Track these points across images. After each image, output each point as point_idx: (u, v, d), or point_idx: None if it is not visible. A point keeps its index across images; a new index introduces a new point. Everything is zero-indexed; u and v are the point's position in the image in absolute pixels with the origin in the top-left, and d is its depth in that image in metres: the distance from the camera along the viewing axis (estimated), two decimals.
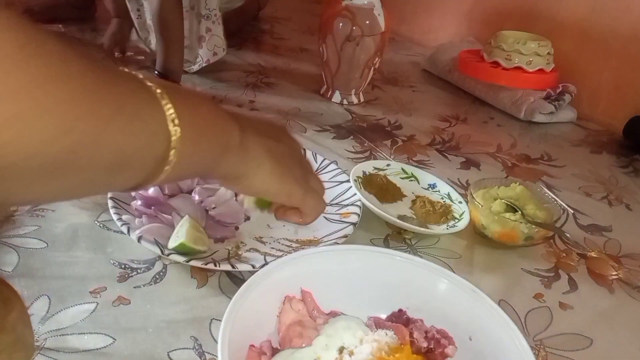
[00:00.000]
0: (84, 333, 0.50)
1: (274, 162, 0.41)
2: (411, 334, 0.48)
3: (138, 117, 0.28)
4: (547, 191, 0.78)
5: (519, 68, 1.28)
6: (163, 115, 0.30)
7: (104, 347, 0.49)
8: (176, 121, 0.31)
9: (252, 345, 0.45)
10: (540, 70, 1.28)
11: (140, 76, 0.31)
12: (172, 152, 0.31)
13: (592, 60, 1.29)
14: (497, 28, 1.40)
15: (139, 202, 0.66)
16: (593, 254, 0.75)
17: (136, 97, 0.29)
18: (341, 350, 0.44)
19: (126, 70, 0.30)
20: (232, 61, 1.38)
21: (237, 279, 0.59)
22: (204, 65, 1.23)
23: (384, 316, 0.51)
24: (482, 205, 0.71)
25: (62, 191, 0.27)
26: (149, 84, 0.31)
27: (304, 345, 0.45)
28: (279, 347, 0.46)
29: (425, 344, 0.47)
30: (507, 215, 0.70)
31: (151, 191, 0.67)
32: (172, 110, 0.30)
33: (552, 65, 1.29)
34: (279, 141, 0.44)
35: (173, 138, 0.30)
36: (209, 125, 0.35)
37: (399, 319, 0.50)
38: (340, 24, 1.10)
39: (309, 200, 0.45)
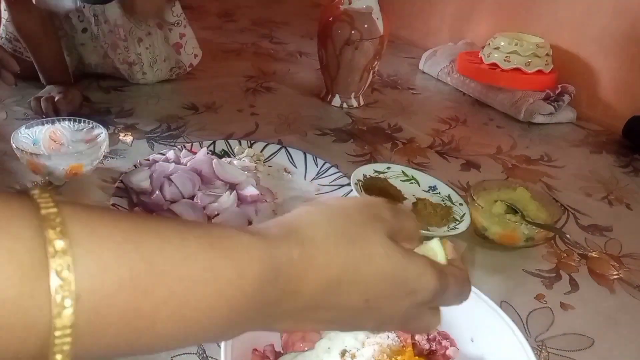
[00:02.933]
0: None
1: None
2: (413, 336, 0.48)
3: None
4: (548, 192, 0.78)
5: (517, 69, 1.28)
6: (42, 278, 0.18)
7: None
8: (66, 299, 0.19)
9: (255, 350, 0.45)
10: (539, 71, 1.28)
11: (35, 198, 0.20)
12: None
13: (591, 61, 1.30)
14: (495, 30, 1.41)
15: (140, 208, 0.67)
16: (594, 254, 0.75)
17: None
18: (343, 353, 0.44)
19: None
20: (232, 66, 1.39)
21: None
22: (188, 70, 1.24)
23: None
24: (482, 207, 0.71)
25: None
26: (44, 211, 0.19)
27: (306, 349, 0.45)
28: (281, 351, 0.47)
29: (427, 346, 0.48)
30: (508, 216, 0.71)
31: (152, 197, 0.68)
32: (66, 273, 0.18)
33: (550, 66, 1.30)
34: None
35: (58, 330, 0.19)
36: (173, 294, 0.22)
37: None
38: (339, 28, 1.10)
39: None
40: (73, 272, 0.19)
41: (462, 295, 0.32)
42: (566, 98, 1.22)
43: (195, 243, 0.23)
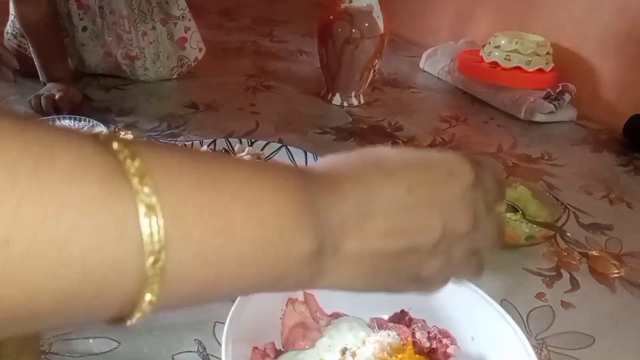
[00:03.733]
0: (88, 337, 0.50)
1: (376, 274, 0.28)
2: (413, 335, 0.48)
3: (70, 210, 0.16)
4: (548, 190, 0.78)
5: (518, 68, 1.28)
6: (129, 205, 0.17)
7: (109, 351, 0.49)
8: (159, 221, 0.18)
9: (256, 348, 0.45)
10: (540, 70, 1.28)
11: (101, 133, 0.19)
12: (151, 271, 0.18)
13: (591, 59, 1.30)
14: (495, 28, 1.41)
15: None
16: (594, 253, 0.75)
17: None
18: (344, 351, 0.45)
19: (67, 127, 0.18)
20: (233, 65, 1.39)
21: None
22: (192, 65, 1.24)
23: (386, 317, 0.51)
24: None
25: None
26: (114, 146, 0.18)
27: (307, 347, 0.45)
28: (282, 349, 0.47)
29: (427, 344, 0.48)
30: (509, 215, 0.71)
31: None
32: (149, 198, 0.18)
33: (551, 65, 1.30)
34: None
35: (149, 251, 0.18)
36: (243, 226, 0.21)
37: (401, 320, 0.50)
38: (340, 27, 1.10)
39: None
40: (155, 193, 0.18)
41: (501, 183, 0.33)
42: (567, 97, 1.22)
43: (243, 164, 0.23)
